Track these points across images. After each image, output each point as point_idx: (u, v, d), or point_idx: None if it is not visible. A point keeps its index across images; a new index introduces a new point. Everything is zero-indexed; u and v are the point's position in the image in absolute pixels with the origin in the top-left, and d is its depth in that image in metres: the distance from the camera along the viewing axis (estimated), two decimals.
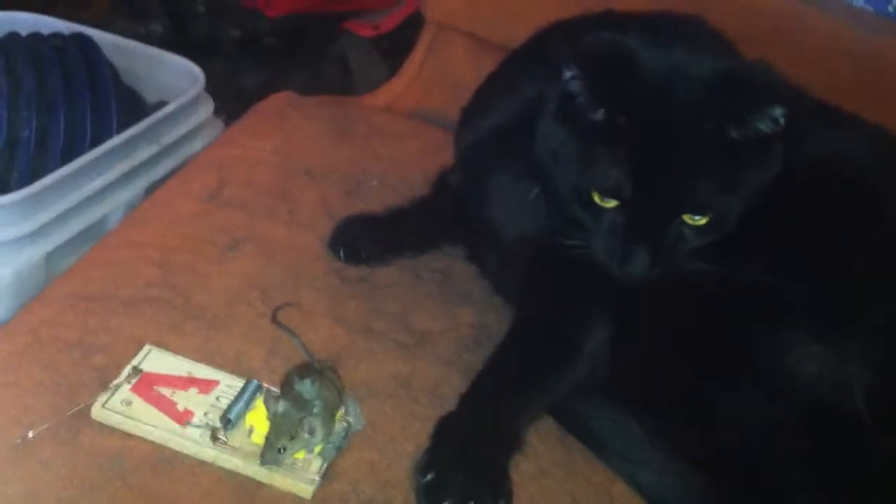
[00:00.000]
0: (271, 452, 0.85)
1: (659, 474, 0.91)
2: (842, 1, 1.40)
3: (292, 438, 0.85)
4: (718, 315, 0.93)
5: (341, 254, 1.13)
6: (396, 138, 1.39)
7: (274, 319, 1.02)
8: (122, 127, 1.42)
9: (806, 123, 0.96)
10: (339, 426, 0.90)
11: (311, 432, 0.85)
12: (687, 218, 0.89)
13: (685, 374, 0.93)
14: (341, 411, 0.90)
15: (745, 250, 0.93)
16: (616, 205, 0.89)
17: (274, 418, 0.86)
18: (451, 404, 0.95)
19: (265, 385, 0.92)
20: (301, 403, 0.86)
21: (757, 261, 0.92)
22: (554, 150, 0.93)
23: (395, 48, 1.93)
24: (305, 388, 0.87)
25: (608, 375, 0.96)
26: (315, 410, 0.86)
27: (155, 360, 0.94)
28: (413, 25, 1.74)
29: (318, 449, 0.87)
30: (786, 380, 0.88)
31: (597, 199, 0.89)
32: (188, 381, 0.93)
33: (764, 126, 0.86)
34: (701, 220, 0.89)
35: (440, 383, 0.98)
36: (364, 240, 1.15)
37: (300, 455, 0.87)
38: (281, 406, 0.86)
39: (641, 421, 0.93)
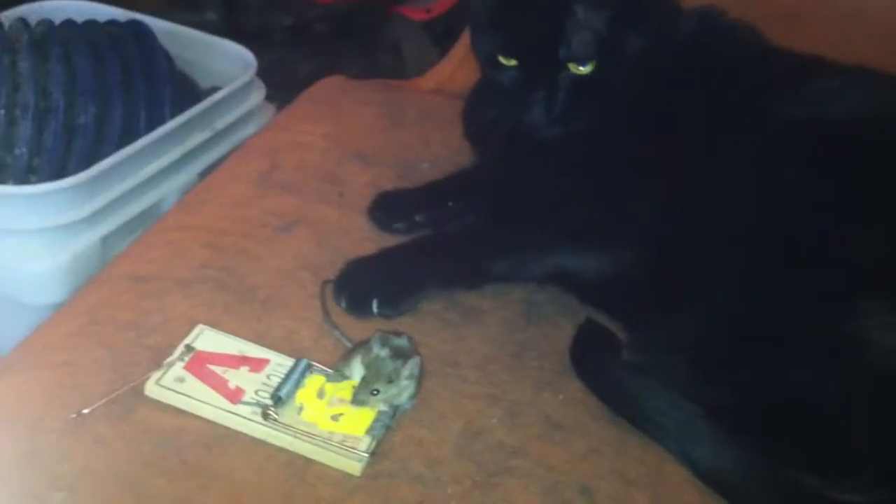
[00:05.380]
0: (364, 393, 0.89)
1: (716, 451, 0.89)
2: None
3: (389, 382, 0.89)
4: (794, 273, 0.90)
5: (378, 217, 1.16)
6: (447, 122, 1.38)
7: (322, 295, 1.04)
8: (175, 113, 1.44)
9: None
10: (385, 406, 0.90)
11: (411, 377, 0.90)
12: (573, 67, 1.00)
13: (752, 337, 0.91)
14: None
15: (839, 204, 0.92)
16: (515, 63, 1.02)
17: (375, 360, 0.89)
18: (499, 381, 0.95)
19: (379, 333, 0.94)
20: (400, 353, 0.90)
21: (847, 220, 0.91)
22: (473, 33, 1.10)
23: (448, 31, 1.91)
24: (403, 342, 0.92)
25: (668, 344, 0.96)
26: (413, 360, 0.90)
27: (207, 339, 0.96)
28: (466, 8, 1.73)
29: (408, 392, 0.91)
30: (859, 348, 0.85)
31: (503, 60, 1.03)
32: (240, 360, 0.94)
33: None
34: (586, 70, 1.00)
35: (489, 361, 0.98)
36: (399, 203, 1.17)
37: (371, 412, 0.90)
38: (383, 351, 0.90)
39: (700, 390, 0.91)
